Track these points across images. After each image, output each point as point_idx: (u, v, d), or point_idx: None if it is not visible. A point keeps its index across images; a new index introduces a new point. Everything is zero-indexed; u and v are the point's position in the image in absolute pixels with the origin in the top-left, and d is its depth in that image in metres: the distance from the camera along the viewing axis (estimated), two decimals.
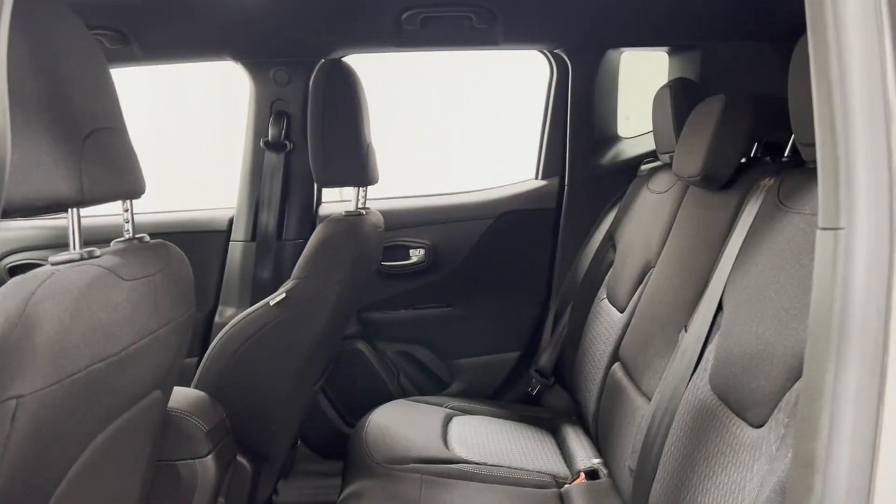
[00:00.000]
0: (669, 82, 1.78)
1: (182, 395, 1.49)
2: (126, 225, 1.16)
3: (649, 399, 1.40)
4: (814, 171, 1.14)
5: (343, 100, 1.69)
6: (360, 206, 1.80)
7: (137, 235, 1.17)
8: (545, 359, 2.18)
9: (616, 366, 1.67)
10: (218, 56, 2.08)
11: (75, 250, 0.98)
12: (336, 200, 2.36)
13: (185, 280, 1.23)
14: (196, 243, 2.22)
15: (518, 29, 2.00)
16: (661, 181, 1.83)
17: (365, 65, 1.93)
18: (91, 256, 0.99)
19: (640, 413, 1.42)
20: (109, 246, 1.11)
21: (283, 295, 1.60)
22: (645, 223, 1.81)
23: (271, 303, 1.61)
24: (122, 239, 1.14)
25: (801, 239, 1.04)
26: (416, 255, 2.24)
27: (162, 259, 1.15)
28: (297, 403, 1.75)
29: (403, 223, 2.25)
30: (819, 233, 0.68)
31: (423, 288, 2.26)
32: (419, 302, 2.27)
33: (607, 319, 1.84)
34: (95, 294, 0.93)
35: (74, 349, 0.87)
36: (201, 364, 1.63)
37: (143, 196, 1.15)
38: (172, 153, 3.72)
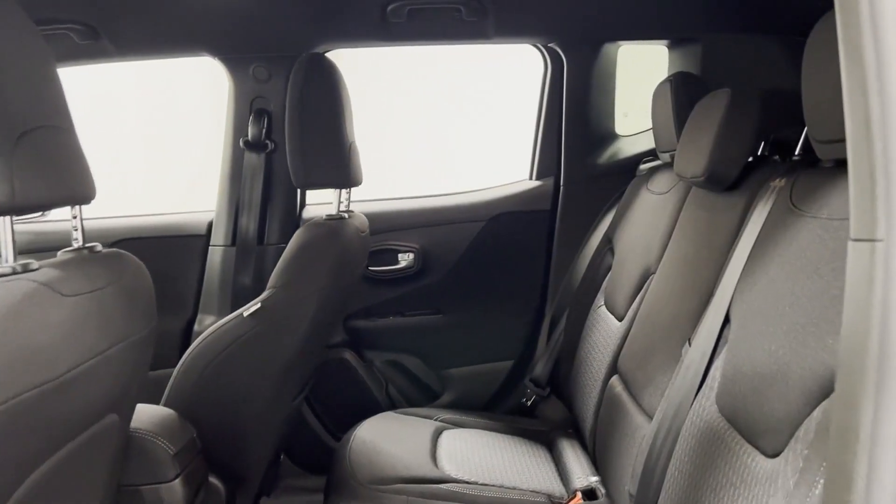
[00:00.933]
0: (670, 76, 1.68)
1: (148, 414, 1.39)
2: (74, 233, 1.05)
3: (650, 417, 1.30)
4: (830, 171, 1.05)
5: (323, 96, 1.59)
6: (342, 209, 1.70)
7: (88, 245, 1.06)
8: (540, 368, 2.08)
9: (615, 378, 1.57)
10: (194, 52, 1.98)
11: (7, 263, 0.88)
12: (320, 203, 2.25)
13: (142, 293, 1.12)
14: (174, 248, 2.14)
15: (510, 22, 1.90)
16: (662, 181, 1.73)
17: (351, 59, 1.83)
18: (26, 270, 0.88)
19: (640, 432, 1.32)
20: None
21: (259, 305, 1.51)
22: (644, 226, 1.71)
23: (245, 314, 1.51)
24: (70, 249, 1.04)
25: (819, 246, 0.94)
26: (404, 259, 2.15)
27: (114, 271, 1.05)
28: (275, 420, 1.65)
29: (392, 226, 2.15)
30: (851, 245, 0.58)
31: (412, 294, 2.16)
32: (408, 308, 2.18)
33: (605, 328, 1.74)
34: (28, 312, 0.83)
35: (1, 376, 0.77)
36: (171, 379, 1.52)
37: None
38: (163, 153, 3.62)
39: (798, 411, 0.86)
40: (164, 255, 2.12)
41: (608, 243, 1.95)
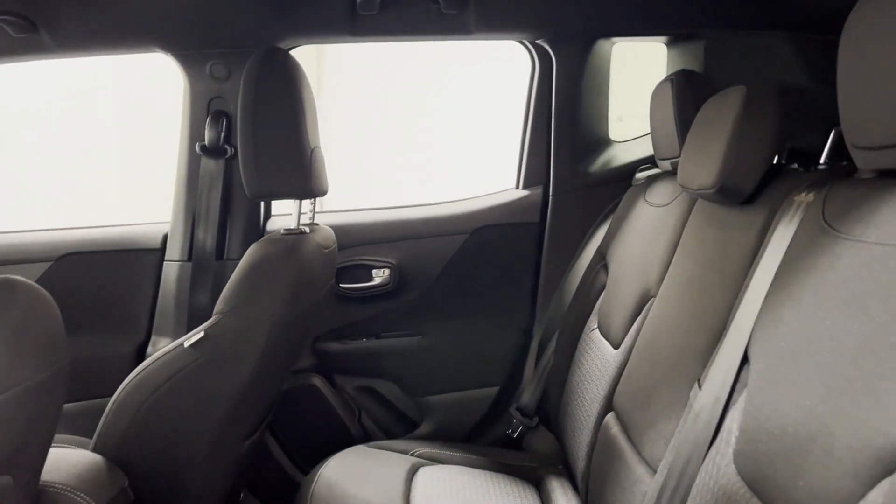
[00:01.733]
0: (671, 75, 1.50)
1: (69, 463, 1.19)
2: None
3: (653, 470, 1.12)
4: (873, 183, 0.86)
5: (281, 94, 1.40)
6: (303, 221, 1.52)
7: None
8: (528, 396, 1.90)
9: (610, 416, 1.39)
10: (144, 47, 1.79)
11: None
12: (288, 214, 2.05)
13: (40, 328, 0.93)
14: (125, 264, 1.95)
15: (493, 15, 1.72)
16: (662, 192, 1.55)
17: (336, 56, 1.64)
18: None
19: (640, 487, 1.13)
20: None
21: (202, 334, 1.31)
22: (642, 242, 1.53)
23: (186, 343, 1.32)
24: None
25: (867, 278, 0.76)
26: (379, 275, 1.96)
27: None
28: (224, 462, 1.45)
29: (365, 239, 1.96)
30: None
31: (387, 314, 1.97)
32: (383, 330, 1.99)
33: (599, 355, 1.56)
34: None
35: None
36: (101, 420, 1.33)
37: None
38: (142, 155, 3.40)
39: (848, 491, 0.67)
40: (114, 271, 1.94)
41: (602, 259, 1.77)
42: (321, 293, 1.59)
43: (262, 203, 1.94)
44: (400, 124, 3.02)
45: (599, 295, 1.72)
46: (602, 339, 1.59)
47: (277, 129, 1.41)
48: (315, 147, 1.50)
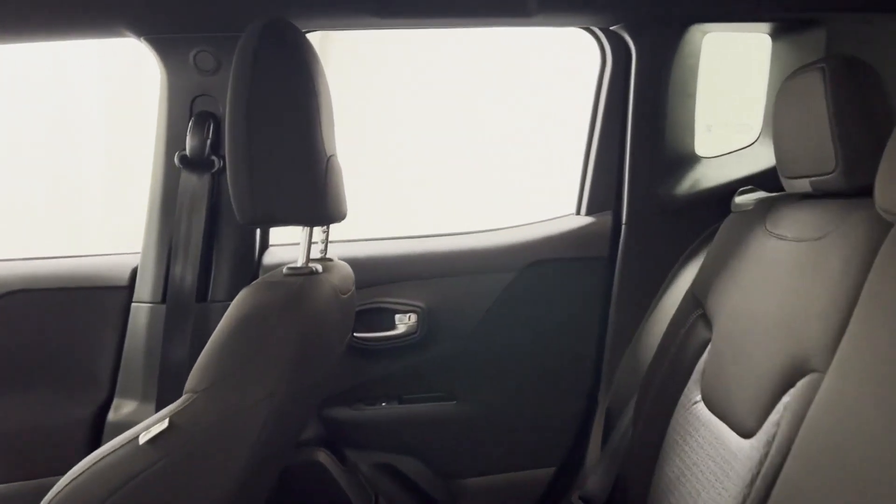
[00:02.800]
0: (822, 61, 1.10)
1: None
2: None
3: None
4: None
5: (286, 82, 1.03)
6: (312, 256, 1.12)
7: None
8: (595, 482, 1.48)
9: None
10: (111, 31, 1.41)
11: None
12: (291, 244, 1.65)
13: None
14: (83, 305, 1.57)
15: None
16: (801, 222, 1.14)
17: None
18: None
19: None
20: None
21: (165, 424, 0.90)
22: (779, 289, 1.12)
23: (143, 439, 0.91)
24: None
25: None
26: (403, 322, 1.56)
27: None
28: None
29: (386, 276, 1.57)
30: None
31: (413, 371, 1.58)
32: (408, 392, 1.59)
33: (716, 443, 1.15)
34: None
35: None
36: None
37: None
38: (129, 162, 2.97)
39: None
40: (69, 314, 1.55)
41: (697, 306, 1.36)
42: (338, 355, 1.18)
43: (258, 230, 1.55)
44: (420, 134, 2.59)
45: (699, 354, 1.31)
46: (716, 419, 1.17)
47: (280, 130, 1.03)
48: (331, 156, 1.11)
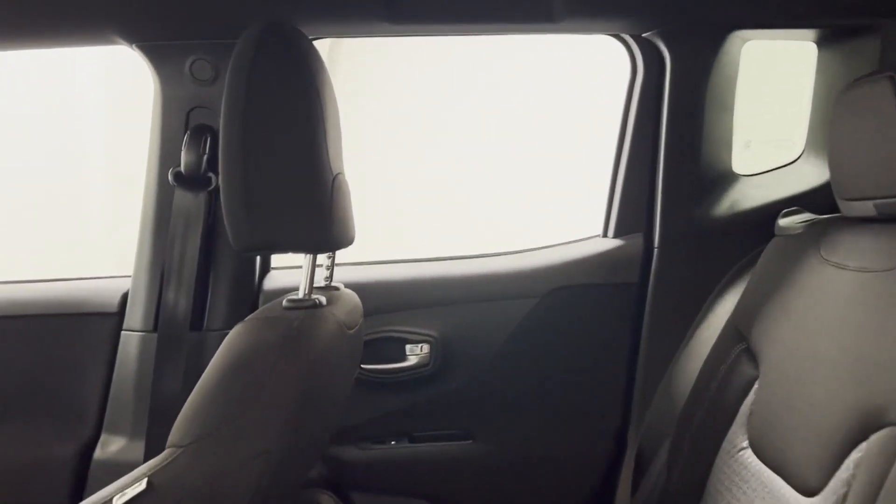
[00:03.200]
0: (891, 69, 0.98)
1: None
2: None
3: None
4: None
5: (288, 90, 0.92)
6: (316, 286, 1.00)
7: None
8: None
9: None
10: (101, 38, 1.31)
11: None
12: (295, 266, 1.53)
13: None
14: (69, 333, 1.47)
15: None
16: (869, 249, 1.02)
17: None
18: None
19: None
20: None
21: (143, 485, 0.79)
22: (845, 327, 0.99)
23: (118, 501, 0.79)
24: None
25: None
26: (414, 353, 1.44)
27: None
28: None
29: (396, 303, 1.46)
30: None
31: (425, 407, 1.46)
32: (419, 429, 1.47)
33: (767, 497, 1.02)
34: None
35: None
36: None
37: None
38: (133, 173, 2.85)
39: None
40: (54, 342, 1.45)
41: (740, 340, 1.23)
42: (344, 398, 1.06)
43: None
44: (431, 147, 2.45)
45: (744, 394, 1.17)
46: (768, 471, 1.04)
47: (281, 145, 0.92)
48: (338, 174, 1.00)
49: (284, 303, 0.96)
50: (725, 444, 1.17)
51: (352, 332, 1.05)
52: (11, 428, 1.40)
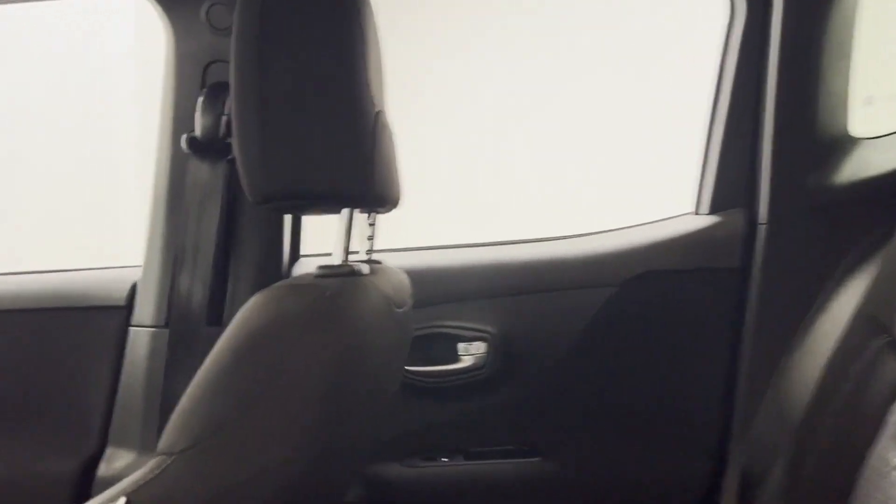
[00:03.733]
0: None
1: None
2: None
3: None
4: None
5: (314, 6, 0.73)
6: (351, 255, 0.80)
7: None
8: None
9: None
10: None
11: None
12: (321, 254, 1.34)
13: None
14: (71, 329, 1.30)
15: None
16: None
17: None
18: None
19: None
20: None
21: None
22: None
23: None
24: None
25: None
26: (469, 353, 1.23)
27: None
28: None
29: (447, 293, 1.26)
30: None
31: (482, 417, 1.25)
32: (475, 444, 1.26)
33: None
34: None
35: None
36: None
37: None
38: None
39: None
40: (52, 341, 1.29)
41: (880, 332, 0.99)
42: (388, 397, 0.85)
43: (288, 232, 1.25)
44: (491, 107, 2.23)
45: (893, 398, 0.93)
46: None
47: (307, 67, 0.72)
48: (380, 111, 0.80)
49: (315, 270, 0.76)
50: (873, 461, 0.93)
51: (400, 311, 0.84)
52: (6, 439, 1.22)
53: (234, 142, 0.75)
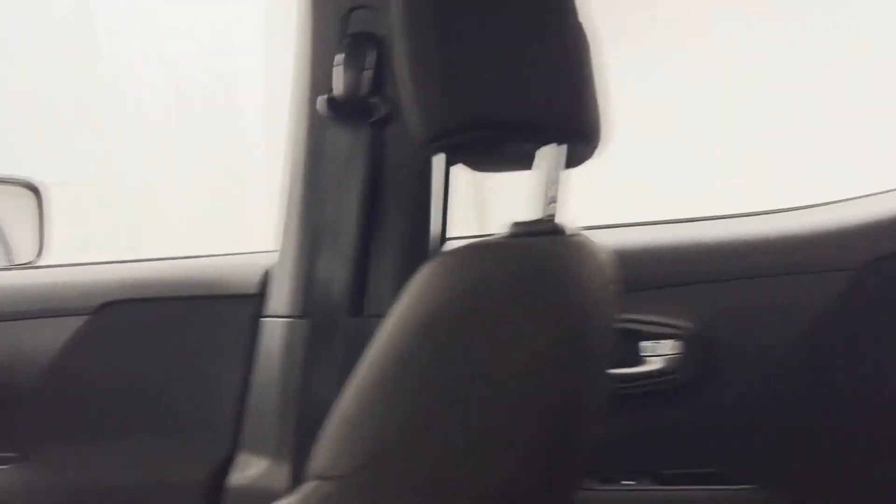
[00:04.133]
0: None
1: None
2: None
3: None
4: None
5: None
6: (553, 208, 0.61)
7: None
8: None
9: None
10: None
11: None
12: (472, 236, 1.15)
13: None
14: (198, 320, 1.17)
15: None
16: None
17: None
18: None
19: None
20: None
21: None
22: None
23: None
24: None
25: None
26: (657, 354, 1.01)
27: None
28: None
29: (629, 281, 1.02)
30: None
31: (675, 432, 1.03)
32: (668, 464, 1.03)
33: None
34: None
35: None
36: None
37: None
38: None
39: None
40: (177, 334, 1.17)
41: None
42: (602, 389, 0.66)
43: (441, 200, 1.07)
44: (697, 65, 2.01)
45: None
46: None
47: None
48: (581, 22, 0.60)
49: (510, 228, 0.57)
50: None
51: (612, 287, 0.64)
52: (125, 444, 1.12)
53: (402, 70, 0.57)
